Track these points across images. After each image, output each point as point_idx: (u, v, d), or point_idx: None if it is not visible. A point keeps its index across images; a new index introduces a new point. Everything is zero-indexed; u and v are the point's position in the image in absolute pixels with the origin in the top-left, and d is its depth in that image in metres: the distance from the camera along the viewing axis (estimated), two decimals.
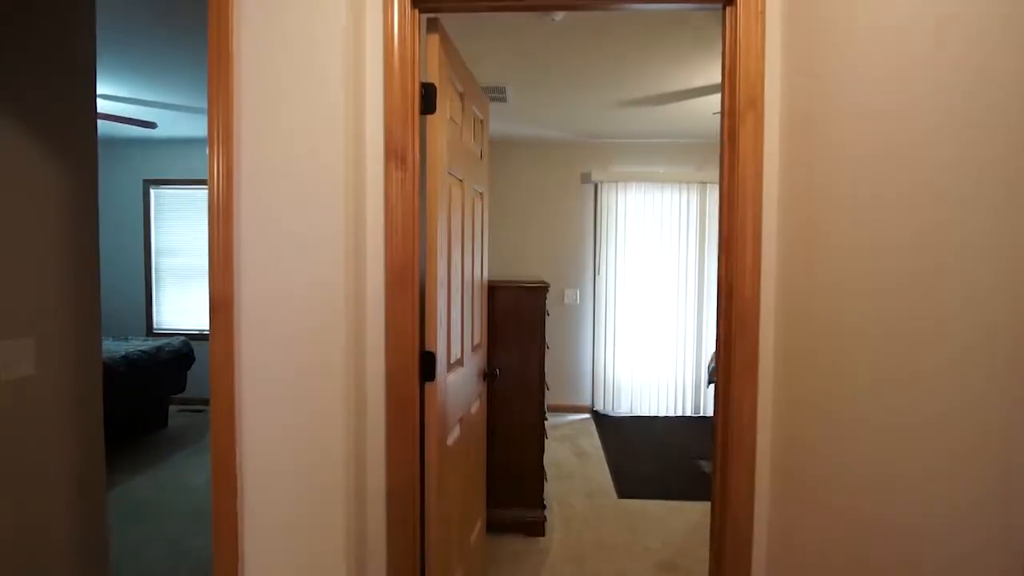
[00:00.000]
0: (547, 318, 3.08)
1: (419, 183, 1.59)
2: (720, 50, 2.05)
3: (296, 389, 1.37)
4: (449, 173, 1.80)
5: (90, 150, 1.70)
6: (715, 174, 5.10)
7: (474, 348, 2.25)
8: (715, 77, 3.37)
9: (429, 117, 1.63)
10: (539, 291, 2.96)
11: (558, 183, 5.25)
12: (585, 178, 5.23)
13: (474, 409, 2.26)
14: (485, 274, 2.48)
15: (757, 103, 1.48)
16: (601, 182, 5.15)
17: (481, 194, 2.36)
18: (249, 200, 1.35)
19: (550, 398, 5.30)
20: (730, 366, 1.52)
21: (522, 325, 2.95)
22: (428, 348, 1.65)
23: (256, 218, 1.35)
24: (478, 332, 2.33)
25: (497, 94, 3.68)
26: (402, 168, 1.52)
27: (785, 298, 1.45)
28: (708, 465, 3.94)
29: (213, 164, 1.33)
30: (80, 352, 1.68)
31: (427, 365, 1.65)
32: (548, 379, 5.17)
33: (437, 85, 1.64)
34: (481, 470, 2.45)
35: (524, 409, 2.99)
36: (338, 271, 1.36)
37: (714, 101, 3.77)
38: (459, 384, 1.98)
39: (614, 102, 3.92)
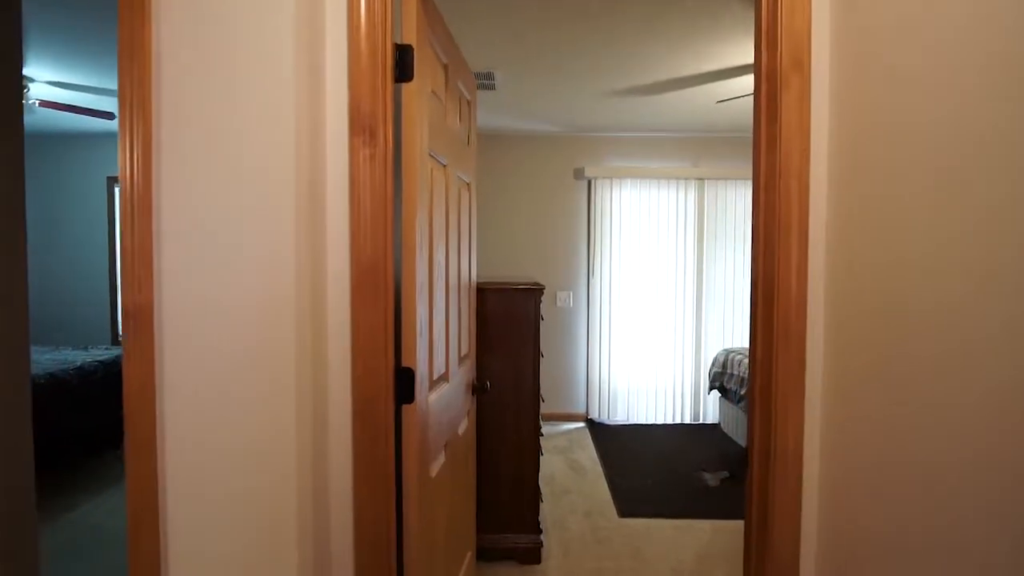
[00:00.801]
0: (541, 322, 2.82)
1: (393, 165, 1.32)
2: (753, 8, 1.79)
3: (235, 419, 1.08)
4: (430, 155, 1.52)
5: (12, 139, 1.41)
6: (714, 169, 4.87)
7: (461, 360, 1.97)
8: (718, 62, 3.13)
9: (405, 86, 1.35)
10: (532, 293, 2.69)
11: (550, 179, 4.98)
12: (578, 174, 4.97)
13: (462, 429, 1.98)
14: (473, 275, 2.20)
15: (803, 64, 1.22)
16: (595, 178, 4.89)
17: (468, 184, 2.09)
18: (172, 186, 1.06)
19: (543, 407, 5.02)
20: (770, 384, 1.26)
21: (514, 331, 2.68)
22: (405, 364, 1.37)
23: (181, 209, 1.06)
24: (466, 341, 2.05)
25: (485, 80, 3.41)
26: (371, 144, 1.24)
27: (839, 302, 1.19)
28: (712, 478, 3.70)
29: (125, 141, 1.04)
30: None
31: (404, 384, 1.37)
32: (541, 387, 4.91)
33: (415, 48, 1.36)
34: (471, 498, 2.17)
35: (517, 424, 2.71)
36: (286, 272, 1.07)
37: (717, 89, 3.52)
38: (445, 403, 1.70)
39: (609, 91, 3.67)
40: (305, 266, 1.14)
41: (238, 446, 1.08)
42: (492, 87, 3.53)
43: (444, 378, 1.72)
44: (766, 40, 1.27)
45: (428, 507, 1.52)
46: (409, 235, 1.35)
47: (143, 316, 1.04)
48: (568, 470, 3.88)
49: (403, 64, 1.35)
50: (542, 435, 2.85)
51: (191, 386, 1.07)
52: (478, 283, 2.67)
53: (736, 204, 4.91)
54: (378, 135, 1.24)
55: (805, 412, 1.24)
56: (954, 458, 0.88)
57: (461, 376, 1.95)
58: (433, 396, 1.58)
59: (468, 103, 2.09)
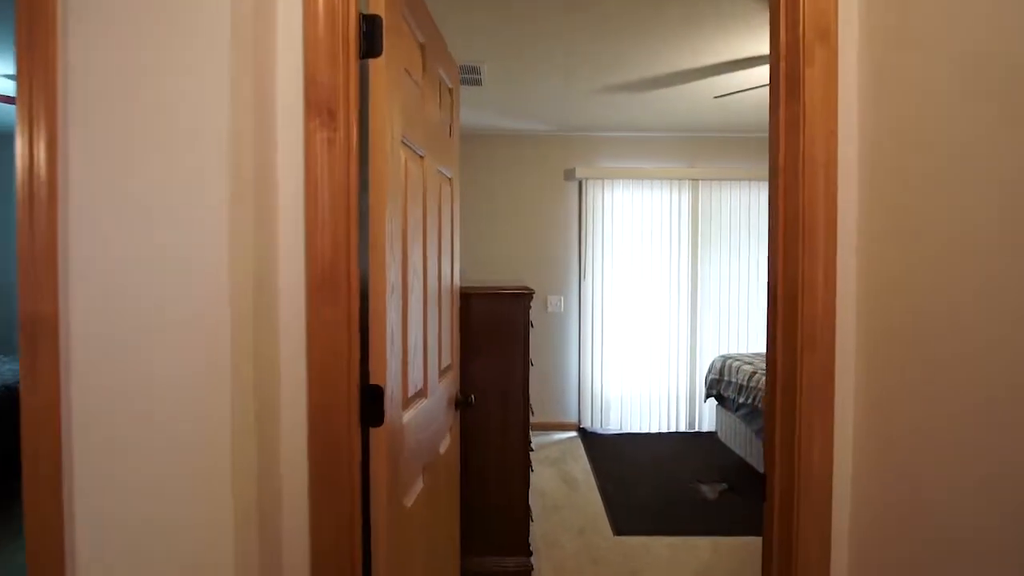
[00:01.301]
0: (531, 329, 2.64)
1: (358, 152, 1.14)
2: None
3: (156, 452, 0.90)
4: (405, 143, 1.34)
5: None
6: (709, 170, 4.73)
7: (442, 372, 1.79)
8: (716, 56, 2.98)
9: (373, 62, 1.18)
10: (522, 298, 2.52)
11: (539, 180, 4.82)
12: (569, 175, 4.81)
13: (444, 448, 1.80)
14: (456, 279, 2.03)
15: (829, 35, 1.06)
16: (586, 179, 4.74)
17: (450, 180, 1.91)
18: (82, 173, 0.88)
19: (533, 417, 4.84)
20: (793, 398, 1.09)
21: (502, 339, 2.50)
22: (374, 381, 1.19)
23: (94, 199, 0.88)
24: (448, 351, 1.87)
25: (471, 75, 3.24)
26: (330, 127, 1.07)
27: (875, 306, 1.03)
28: (710, 490, 3.53)
29: (25, 115, 0.86)
30: None
31: (371, 404, 1.19)
32: (531, 397, 4.73)
33: (384, 19, 1.19)
34: (453, 523, 1.98)
35: (505, 439, 2.53)
36: (219, 276, 0.89)
37: (715, 84, 3.38)
38: (422, 422, 1.52)
39: (602, 87, 3.51)
40: (247, 270, 0.96)
41: (160, 486, 0.89)
42: (479, 82, 3.36)
43: (422, 394, 1.54)
44: (785, 8, 1.11)
45: (402, 542, 1.33)
46: (378, 233, 1.17)
47: (43, 324, 0.85)
48: (560, 483, 3.70)
49: (370, 37, 1.17)
50: (532, 449, 2.67)
51: (106, 410, 0.88)
52: (463, 288, 2.49)
53: (731, 205, 4.77)
54: (339, 116, 1.06)
55: (835, 430, 1.08)
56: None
57: (442, 390, 1.77)
58: (409, 415, 1.40)
59: (450, 91, 1.92)
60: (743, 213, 4.77)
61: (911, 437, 0.94)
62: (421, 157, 1.52)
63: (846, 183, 1.07)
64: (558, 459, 4.17)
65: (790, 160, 1.09)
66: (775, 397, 1.15)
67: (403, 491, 1.37)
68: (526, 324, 2.52)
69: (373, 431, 1.20)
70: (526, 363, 2.53)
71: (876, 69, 1.03)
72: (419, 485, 1.50)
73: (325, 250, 1.07)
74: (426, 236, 1.55)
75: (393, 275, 1.25)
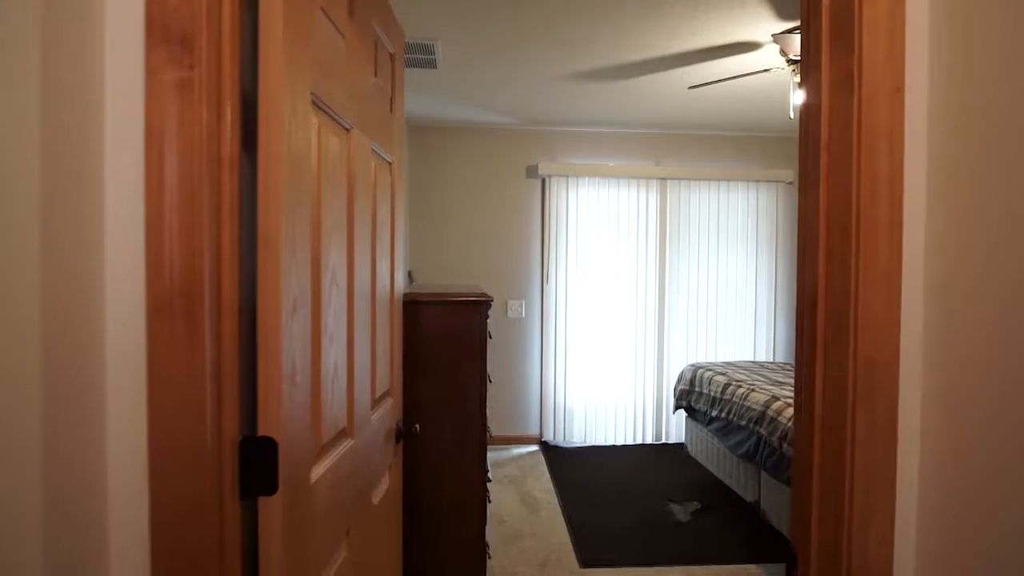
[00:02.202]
0: (489, 341, 2.32)
1: (235, 103, 0.79)
2: None
3: None
4: (318, 104, 1.00)
5: None
6: (678, 169, 4.51)
7: (378, 401, 1.45)
8: (692, 41, 2.73)
9: None
10: (478, 307, 2.19)
11: (500, 177, 4.50)
12: (531, 172, 4.51)
13: (379, 496, 1.45)
14: (399, 285, 1.68)
15: None
16: (550, 176, 4.45)
17: (391, 164, 1.57)
18: None
19: (491, 430, 4.52)
20: (842, 455, 0.80)
21: (456, 354, 2.17)
22: (264, 432, 0.84)
23: None
24: (386, 374, 1.53)
25: (424, 55, 2.90)
26: (183, 62, 0.71)
27: (956, 334, 0.75)
28: (682, 511, 3.29)
29: None
30: None
31: (260, 465, 0.84)
32: (489, 406, 4.40)
33: None
34: None
35: (459, 470, 2.19)
36: None
37: (690, 74, 3.13)
38: (346, 472, 1.18)
39: (569, 74, 3.22)
40: (41, 277, 0.60)
41: None
42: (432, 64, 3.02)
43: (345, 434, 1.19)
44: None
45: None
46: (271, 228, 0.83)
47: None
48: (520, 507, 3.38)
49: None
50: (489, 480, 2.35)
51: None
52: (409, 295, 2.15)
53: (700, 206, 4.57)
54: (198, 46, 0.71)
55: (896, 514, 0.79)
56: None
57: (378, 423, 1.43)
58: (324, 467, 1.05)
59: (391, 57, 1.58)
60: (712, 215, 4.58)
61: (1006, 538, 0.66)
62: (347, 129, 1.17)
63: (914, 166, 0.79)
64: (518, 477, 3.85)
65: (839, 133, 0.80)
66: (810, 461, 0.86)
67: (316, 572, 1.02)
68: (483, 337, 2.20)
69: (263, 502, 0.85)
70: (483, 381, 2.20)
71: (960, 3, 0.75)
72: (341, 555, 1.16)
73: (173, 253, 0.71)
74: (353, 232, 1.21)
75: (298, 286, 0.91)
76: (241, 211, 0.83)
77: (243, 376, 0.86)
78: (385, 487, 1.52)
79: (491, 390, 4.48)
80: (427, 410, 2.12)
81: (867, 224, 0.77)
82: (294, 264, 0.89)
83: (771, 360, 4.63)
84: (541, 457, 4.28)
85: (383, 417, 1.49)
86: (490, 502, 2.44)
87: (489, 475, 2.30)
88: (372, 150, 1.36)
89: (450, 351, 2.16)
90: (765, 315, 4.63)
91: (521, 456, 4.31)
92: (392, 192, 1.57)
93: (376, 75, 1.42)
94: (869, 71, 0.77)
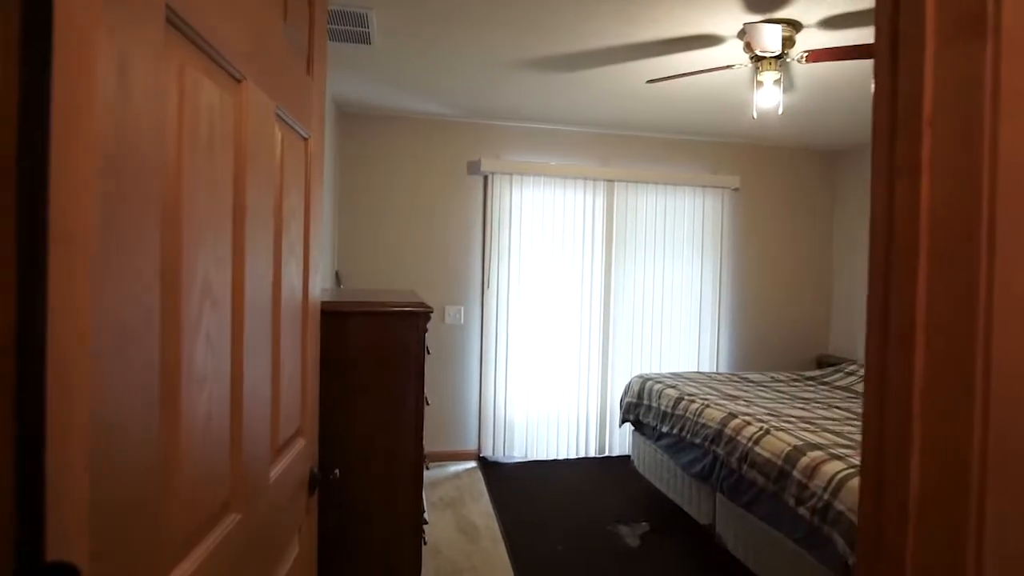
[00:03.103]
0: (427, 356, 2.00)
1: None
2: None
3: None
4: (174, 23, 0.66)
5: None
6: (625, 171, 4.34)
7: (284, 447, 1.11)
8: (656, 30, 2.52)
9: None
10: (416, 319, 1.86)
11: (439, 172, 4.17)
12: (473, 168, 4.21)
13: (284, 570, 1.11)
14: (315, 292, 1.34)
15: None
16: (493, 174, 4.16)
17: (307, 141, 1.23)
18: None
19: (425, 445, 4.17)
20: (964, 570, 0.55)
21: (388, 374, 1.83)
22: (57, 555, 0.50)
23: None
24: (296, 409, 1.18)
25: (356, 27, 2.54)
26: None
27: None
28: (631, 533, 3.08)
29: None
30: None
31: None
32: (424, 421, 4.06)
33: None
34: None
35: (391, 508, 1.86)
36: None
37: (649, 67, 2.93)
38: (229, 566, 0.83)
39: (517, 60, 2.95)
40: None
41: None
42: (366, 38, 2.66)
43: (228, 509, 0.85)
44: None
45: None
46: (72, 212, 0.49)
47: None
48: (458, 535, 3.07)
49: None
50: (426, 521, 2.03)
51: None
52: (334, 304, 1.80)
53: (647, 210, 4.42)
54: None
55: None
56: None
57: (282, 477, 1.08)
58: (183, 570, 0.71)
59: (310, 3, 1.24)
60: (659, 219, 4.44)
61: None
62: (236, 80, 0.83)
63: None
64: (456, 500, 3.53)
65: (954, 99, 0.56)
66: (900, 554, 0.60)
67: None
68: (421, 353, 1.87)
69: None
70: (420, 405, 1.88)
71: None
72: None
73: None
74: (245, 225, 0.87)
75: (130, 304, 0.57)
76: (23, 190, 0.48)
77: (22, 456, 0.51)
78: (293, 555, 1.18)
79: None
80: (353, 443, 1.78)
81: (1007, 226, 0.53)
82: (121, 272, 0.55)
83: (716, 370, 4.55)
84: (479, 475, 3.97)
85: (291, 466, 1.14)
86: (426, 543, 2.12)
87: (426, 515, 1.97)
88: (277, 115, 1.02)
89: (382, 370, 1.83)
90: (710, 325, 4.54)
91: (458, 474, 3.99)
92: (307, 175, 1.23)
93: (285, 19, 1.08)
94: (1014, 8, 0.53)
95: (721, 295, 4.57)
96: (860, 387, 3.54)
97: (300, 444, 1.22)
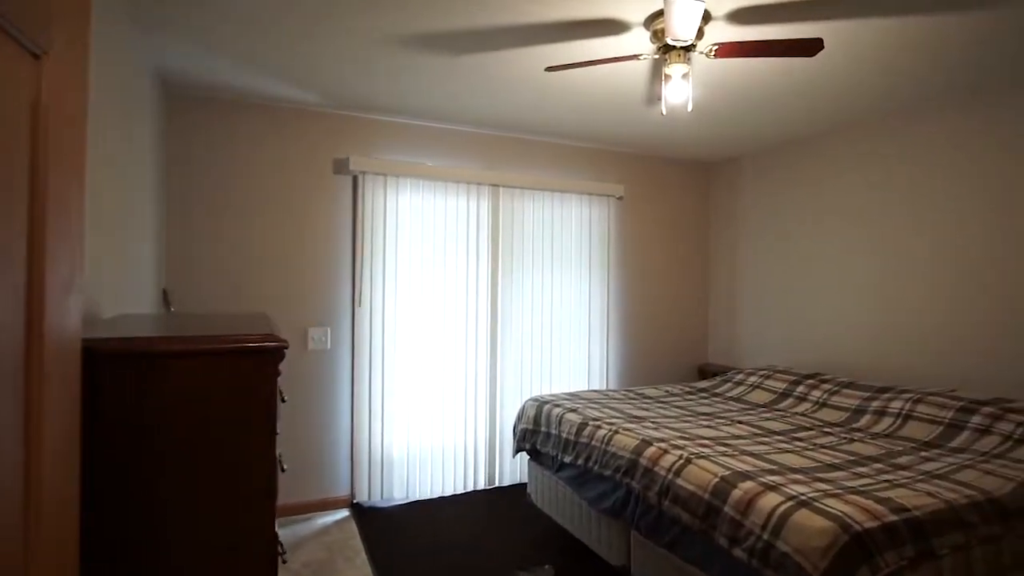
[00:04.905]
0: (281, 402, 1.46)
1: None
2: None
3: None
4: None
5: None
6: (510, 175, 4.01)
7: None
8: (555, 9, 2.21)
9: None
10: (265, 358, 1.32)
11: (298, 171, 3.54)
12: (341, 167, 3.63)
13: None
14: (68, 323, 0.78)
15: None
16: (364, 174, 3.61)
17: (39, 60, 0.68)
18: None
19: (281, 495, 3.48)
20: None
21: (226, 434, 1.27)
22: None
23: None
24: (18, 533, 0.63)
25: None
26: None
27: None
28: None
29: None
30: None
31: None
32: (283, 465, 3.36)
33: None
34: None
35: None
36: None
37: (548, 53, 2.61)
38: None
39: (396, 35, 2.48)
40: None
41: None
42: None
43: None
44: None
45: None
46: None
47: None
48: None
49: None
50: (282, 555, 1.47)
51: None
52: (132, 340, 1.20)
53: (535, 219, 4.13)
54: None
55: None
56: None
57: None
58: None
59: None
60: (546, 228, 4.17)
61: None
62: None
63: None
64: (325, 565, 2.90)
65: None
66: None
67: None
68: (272, 402, 1.33)
69: None
70: (271, 479, 1.33)
71: None
72: None
73: None
74: None
75: None
76: None
77: None
78: None
79: (286, 442, 3.45)
80: (168, 534, 1.19)
81: None
82: None
83: (607, 387, 4.36)
84: (354, 526, 3.37)
85: None
86: None
87: (282, 551, 1.42)
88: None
89: (215, 431, 1.26)
90: (599, 338, 4.35)
91: (327, 528, 3.35)
92: (40, 122, 0.68)
93: None
94: None
95: (610, 308, 4.41)
96: (751, 397, 3.51)
97: None
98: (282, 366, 1.38)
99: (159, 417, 1.21)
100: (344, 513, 3.57)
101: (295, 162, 3.52)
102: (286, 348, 1.33)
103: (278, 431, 1.40)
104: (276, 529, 1.41)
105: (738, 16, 2.23)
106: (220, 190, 3.34)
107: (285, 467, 1.55)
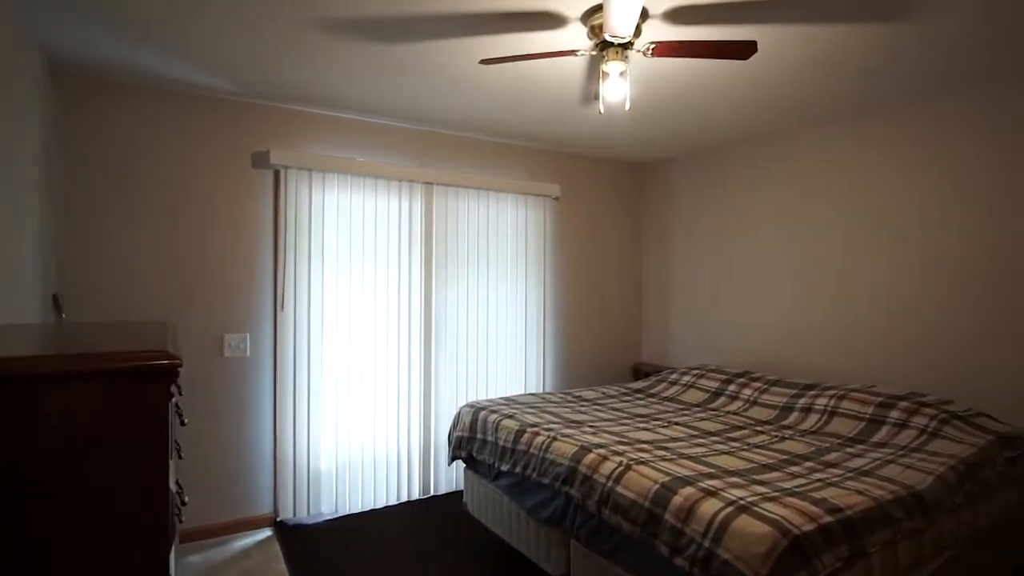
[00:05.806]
0: (185, 418, 1.28)
1: None
2: None
3: None
4: None
5: None
6: (444, 174, 3.88)
7: None
8: (508, 1, 2.10)
9: None
10: (154, 380, 1.14)
11: (211, 163, 3.25)
12: (260, 160, 3.37)
13: None
14: None
15: None
16: (286, 169, 3.37)
17: None
18: None
19: (196, 518, 3.19)
20: None
21: (108, 473, 1.08)
22: None
23: None
24: None
25: None
26: None
27: None
28: None
29: None
30: None
31: None
32: (197, 482, 3.08)
33: None
34: None
35: None
36: None
37: (483, 45, 2.49)
38: None
39: (319, 18, 2.30)
40: None
41: None
42: None
43: None
44: None
45: None
46: None
47: None
48: None
49: None
50: None
51: None
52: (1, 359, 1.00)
53: (469, 218, 4.01)
54: None
55: None
56: None
57: None
58: None
59: None
60: (481, 228, 4.06)
61: None
62: None
63: None
64: None
65: None
66: None
67: None
68: (165, 430, 1.15)
69: None
70: (164, 518, 1.15)
71: None
72: None
73: None
74: None
75: None
76: None
77: None
78: None
79: (198, 457, 3.17)
80: None
81: None
82: None
83: (544, 389, 4.31)
84: (277, 548, 3.13)
85: None
86: None
87: None
88: None
89: (94, 463, 1.07)
90: (536, 340, 4.29)
91: (247, 551, 3.10)
92: None
93: None
94: None
95: (546, 308, 4.36)
96: (686, 397, 3.54)
97: None
98: (195, 376, 1.20)
99: (26, 450, 1.01)
100: (267, 533, 3.32)
101: (208, 154, 3.23)
102: (179, 367, 1.14)
103: (181, 455, 1.22)
104: (171, 567, 1.23)
105: (675, 15, 2.20)
106: (122, 185, 3.01)
107: (187, 499, 1.36)
